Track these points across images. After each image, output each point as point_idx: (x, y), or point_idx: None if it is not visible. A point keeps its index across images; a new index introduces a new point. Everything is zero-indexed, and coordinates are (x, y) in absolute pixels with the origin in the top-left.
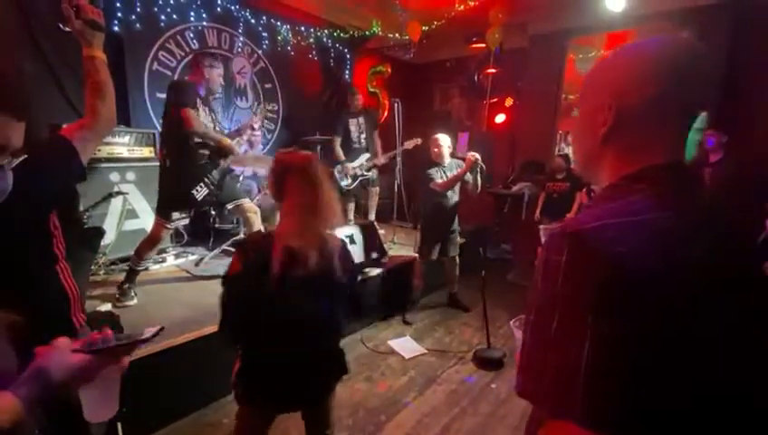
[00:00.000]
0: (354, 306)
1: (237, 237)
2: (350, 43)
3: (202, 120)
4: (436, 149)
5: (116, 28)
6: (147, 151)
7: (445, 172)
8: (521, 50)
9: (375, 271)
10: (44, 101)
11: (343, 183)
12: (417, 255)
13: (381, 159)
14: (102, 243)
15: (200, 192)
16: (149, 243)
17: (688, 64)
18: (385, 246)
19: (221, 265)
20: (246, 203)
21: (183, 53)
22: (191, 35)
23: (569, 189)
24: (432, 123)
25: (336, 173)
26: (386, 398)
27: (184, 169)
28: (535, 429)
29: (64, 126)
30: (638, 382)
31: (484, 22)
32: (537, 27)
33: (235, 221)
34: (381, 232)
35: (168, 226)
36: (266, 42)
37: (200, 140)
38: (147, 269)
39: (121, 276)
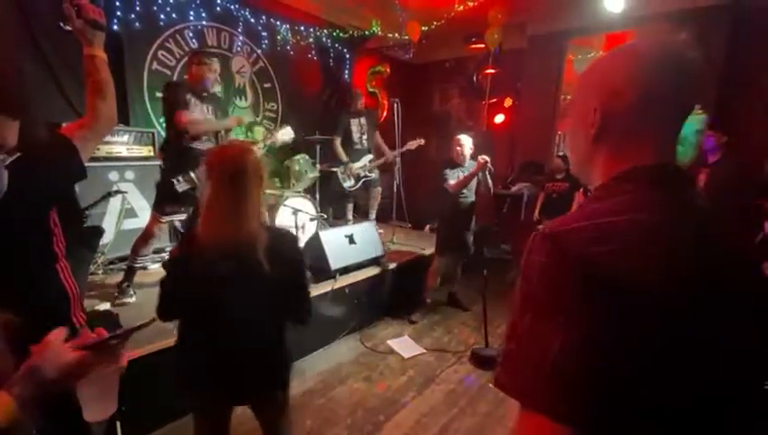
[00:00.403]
0: (296, 306)
1: None
2: (349, 42)
3: (203, 116)
4: (458, 148)
5: (115, 27)
6: (146, 150)
7: (463, 173)
8: (520, 50)
9: (373, 271)
10: (44, 100)
11: (346, 184)
12: (419, 254)
13: (390, 156)
14: (101, 242)
15: (181, 184)
16: (144, 238)
17: (672, 66)
18: (384, 245)
19: None
20: None
21: (182, 53)
22: (190, 34)
23: (568, 190)
24: (431, 123)
25: (339, 174)
26: (384, 397)
27: (170, 161)
28: None
29: (64, 125)
30: (604, 380)
31: (484, 22)
32: (536, 28)
33: None
34: (380, 231)
35: (162, 220)
36: (266, 41)
37: (194, 144)
38: (145, 268)
39: (120, 276)
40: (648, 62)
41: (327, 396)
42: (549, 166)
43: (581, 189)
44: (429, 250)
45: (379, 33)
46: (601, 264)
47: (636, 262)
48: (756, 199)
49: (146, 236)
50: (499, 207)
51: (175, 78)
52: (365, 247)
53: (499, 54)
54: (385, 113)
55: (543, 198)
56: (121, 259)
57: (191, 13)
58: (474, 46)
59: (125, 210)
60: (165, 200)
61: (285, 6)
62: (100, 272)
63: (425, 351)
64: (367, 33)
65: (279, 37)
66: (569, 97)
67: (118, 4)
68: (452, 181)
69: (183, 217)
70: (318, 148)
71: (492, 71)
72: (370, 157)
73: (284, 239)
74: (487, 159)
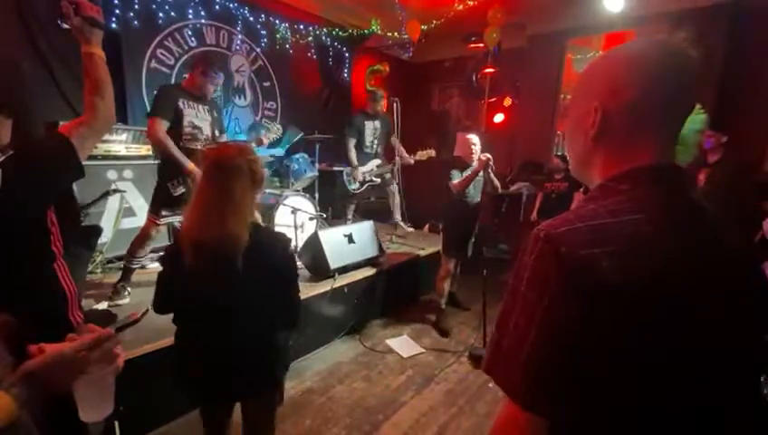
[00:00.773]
0: (282, 311)
1: None
2: (348, 41)
3: (197, 117)
4: (473, 147)
5: (114, 25)
6: (144, 149)
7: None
8: (519, 50)
9: (372, 270)
10: (42, 99)
11: (351, 187)
12: (419, 254)
13: (411, 160)
14: (99, 241)
15: (176, 187)
16: (140, 239)
17: (672, 65)
18: (383, 245)
19: None
20: None
21: (181, 51)
22: (189, 33)
23: (567, 189)
24: (430, 123)
25: (345, 176)
26: (383, 397)
27: (165, 163)
28: None
29: (62, 123)
30: (576, 375)
31: (483, 21)
32: (536, 27)
33: None
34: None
35: (158, 222)
36: (265, 40)
37: (189, 145)
38: (143, 267)
39: (118, 275)
40: (648, 62)
41: (326, 395)
42: (548, 166)
43: (581, 189)
44: (429, 250)
45: (379, 32)
46: (592, 266)
47: (625, 266)
48: (756, 199)
49: (142, 238)
50: (498, 206)
51: (173, 77)
52: (364, 247)
53: (498, 54)
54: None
55: (542, 198)
56: (120, 258)
57: (190, 11)
58: (473, 46)
59: (123, 209)
60: (161, 203)
61: (285, 5)
62: (98, 271)
63: (424, 350)
64: (366, 32)
65: (278, 36)
66: (568, 97)
67: (116, 2)
68: (455, 181)
69: (180, 218)
70: (317, 147)
71: (491, 70)
72: (378, 162)
73: (273, 243)
74: (489, 156)
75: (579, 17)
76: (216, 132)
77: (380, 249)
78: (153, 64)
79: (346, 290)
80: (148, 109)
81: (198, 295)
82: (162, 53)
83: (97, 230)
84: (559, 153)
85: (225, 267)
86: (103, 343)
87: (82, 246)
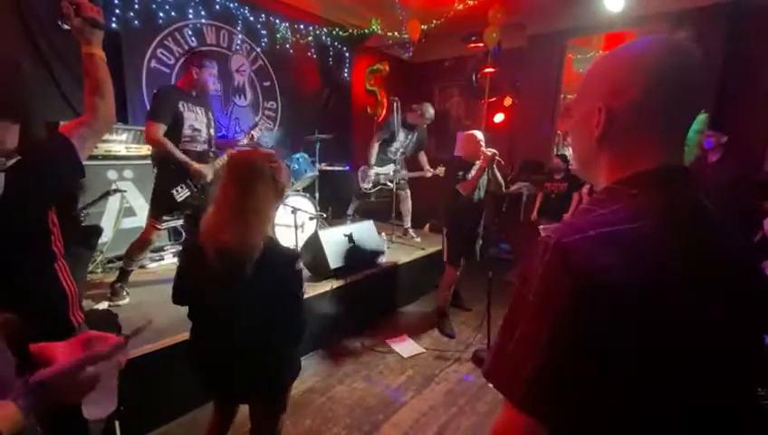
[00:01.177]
0: (283, 326)
1: None
2: (348, 41)
3: (197, 119)
4: (480, 142)
5: (114, 25)
6: (144, 149)
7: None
8: (520, 49)
9: (372, 270)
10: (42, 99)
11: (363, 185)
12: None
13: (427, 174)
14: (100, 241)
15: (181, 193)
16: (140, 244)
17: (669, 64)
18: (383, 245)
19: None
20: None
21: (181, 51)
22: (189, 33)
23: (567, 190)
24: (431, 122)
25: (359, 173)
26: (383, 397)
27: (165, 169)
28: None
29: (63, 123)
30: (577, 378)
31: (484, 21)
32: (536, 27)
33: None
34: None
35: (159, 226)
36: (265, 39)
37: (189, 147)
38: (143, 267)
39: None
40: (649, 60)
41: (326, 395)
42: (548, 165)
43: (587, 188)
44: (429, 249)
45: (379, 31)
46: (602, 276)
47: (628, 269)
48: (756, 199)
49: (143, 242)
50: (498, 206)
51: (174, 77)
52: (364, 247)
53: (498, 54)
54: (384, 112)
55: (542, 198)
56: (120, 258)
57: (190, 11)
58: (473, 45)
59: (124, 209)
60: (162, 209)
61: (285, 5)
62: (99, 271)
63: (424, 350)
64: (366, 31)
65: (278, 36)
66: (568, 96)
67: (117, 2)
68: (468, 177)
69: (181, 221)
70: (317, 146)
71: (491, 70)
72: (393, 168)
73: (281, 260)
74: (495, 151)
75: (579, 17)
76: (212, 132)
77: (381, 249)
78: (153, 64)
79: (346, 290)
80: (148, 109)
81: (205, 295)
82: (162, 53)
83: (97, 230)
84: (559, 153)
85: (236, 272)
86: (117, 353)
87: (83, 247)
